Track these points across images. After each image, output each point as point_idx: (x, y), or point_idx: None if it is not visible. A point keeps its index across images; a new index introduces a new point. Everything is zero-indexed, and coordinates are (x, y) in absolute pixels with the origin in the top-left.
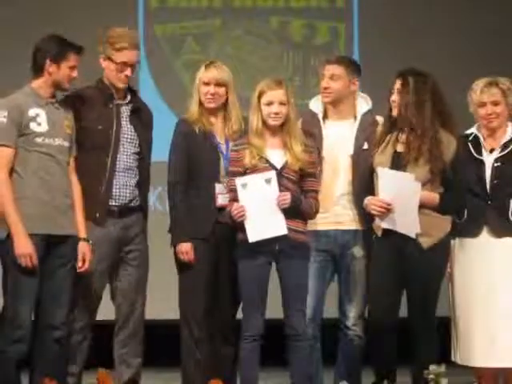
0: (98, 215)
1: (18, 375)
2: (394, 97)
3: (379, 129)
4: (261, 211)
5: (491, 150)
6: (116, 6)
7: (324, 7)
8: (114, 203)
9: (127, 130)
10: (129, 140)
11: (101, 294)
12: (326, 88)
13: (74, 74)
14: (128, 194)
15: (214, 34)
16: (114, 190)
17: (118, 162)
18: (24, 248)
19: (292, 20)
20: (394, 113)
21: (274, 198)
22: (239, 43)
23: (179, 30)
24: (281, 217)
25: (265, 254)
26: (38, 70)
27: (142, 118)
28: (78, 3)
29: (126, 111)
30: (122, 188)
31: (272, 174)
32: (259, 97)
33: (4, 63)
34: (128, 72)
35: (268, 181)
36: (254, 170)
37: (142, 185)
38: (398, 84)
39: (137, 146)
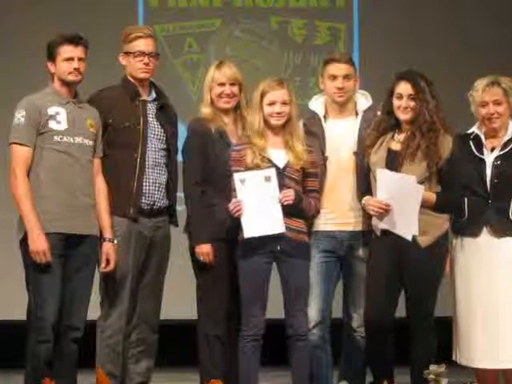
0: (131, 211)
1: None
2: (405, 102)
3: (370, 130)
4: (259, 208)
5: (492, 149)
6: (116, 6)
7: (324, 7)
8: (144, 200)
9: (154, 126)
10: (156, 136)
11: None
12: (341, 88)
13: (73, 64)
14: (157, 192)
15: (214, 34)
16: (144, 187)
17: (147, 159)
18: (37, 245)
19: (292, 20)
20: (404, 116)
21: (274, 195)
22: (239, 43)
23: (179, 30)
24: (280, 215)
25: (266, 254)
26: (50, 74)
27: (168, 115)
28: (78, 3)
29: (152, 108)
30: (152, 185)
31: (272, 172)
32: (261, 97)
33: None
34: (146, 60)
35: (268, 178)
36: (256, 169)
37: (171, 184)
38: (407, 89)
39: (164, 142)
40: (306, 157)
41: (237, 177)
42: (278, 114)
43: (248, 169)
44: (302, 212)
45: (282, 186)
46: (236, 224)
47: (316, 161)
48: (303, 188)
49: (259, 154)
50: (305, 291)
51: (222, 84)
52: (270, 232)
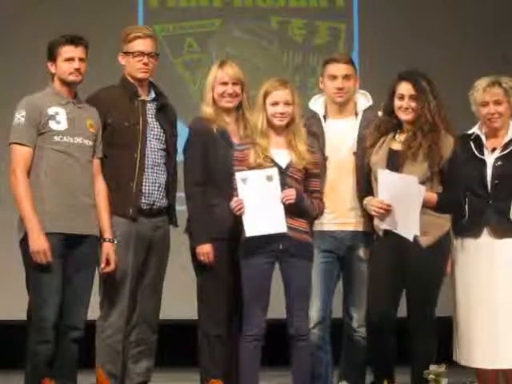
0: (131, 211)
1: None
2: (406, 103)
3: (371, 130)
4: (260, 207)
5: (493, 150)
6: (116, 6)
7: (324, 7)
8: (144, 200)
9: (153, 126)
10: (155, 136)
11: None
12: (341, 88)
13: (74, 65)
14: (157, 192)
15: (214, 34)
16: (144, 187)
17: (146, 159)
18: (37, 245)
19: (292, 20)
20: (405, 117)
21: (276, 195)
22: (239, 43)
23: (179, 29)
24: (281, 214)
25: (268, 254)
26: (51, 74)
27: (167, 115)
28: (78, 3)
29: (151, 108)
30: (151, 185)
31: (274, 171)
32: (264, 97)
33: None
34: (145, 60)
35: (269, 178)
36: (258, 169)
37: (170, 185)
38: (408, 89)
39: (163, 142)
40: (308, 157)
41: (238, 176)
42: (281, 114)
43: (251, 168)
44: (305, 212)
45: (284, 186)
46: (237, 223)
47: (318, 161)
48: (305, 189)
49: (262, 153)
50: (307, 291)
51: (225, 83)
52: (271, 231)
